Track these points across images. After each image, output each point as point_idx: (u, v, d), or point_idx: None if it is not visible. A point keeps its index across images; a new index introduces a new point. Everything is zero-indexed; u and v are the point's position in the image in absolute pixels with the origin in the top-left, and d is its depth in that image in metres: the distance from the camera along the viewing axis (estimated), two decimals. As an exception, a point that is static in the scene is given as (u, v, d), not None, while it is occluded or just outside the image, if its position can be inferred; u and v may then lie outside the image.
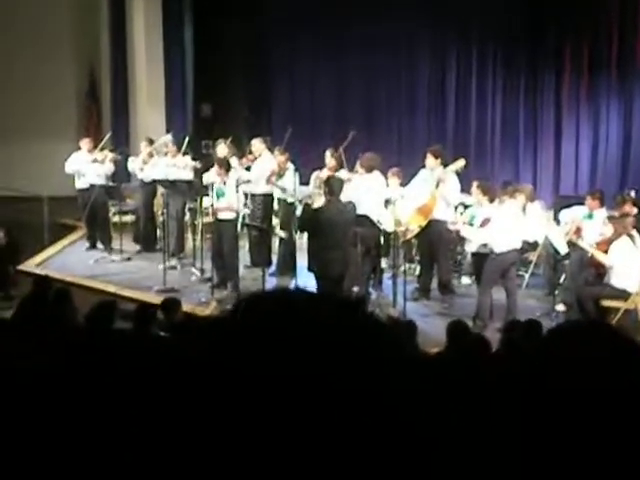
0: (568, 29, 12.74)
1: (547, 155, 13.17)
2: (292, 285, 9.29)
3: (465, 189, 9.15)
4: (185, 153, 11.30)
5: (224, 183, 9.52)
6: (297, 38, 14.15)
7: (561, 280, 9.06)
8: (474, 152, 13.21)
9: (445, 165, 9.05)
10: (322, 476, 0.83)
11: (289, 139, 10.63)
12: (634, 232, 8.23)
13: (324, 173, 9.70)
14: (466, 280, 9.69)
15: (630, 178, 12.23)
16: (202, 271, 10.03)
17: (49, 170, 12.81)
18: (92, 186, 11.19)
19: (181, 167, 11.04)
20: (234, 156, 10.59)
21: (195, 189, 10.52)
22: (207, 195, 9.96)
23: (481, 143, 13.60)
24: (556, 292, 8.78)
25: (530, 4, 12.87)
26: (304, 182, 10.35)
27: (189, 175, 10.99)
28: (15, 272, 9.99)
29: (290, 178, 10.15)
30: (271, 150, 10.65)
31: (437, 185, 8.87)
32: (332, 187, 8.09)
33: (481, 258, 8.39)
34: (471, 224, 8.47)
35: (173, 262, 10.49)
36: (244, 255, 10.19)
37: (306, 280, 8.46)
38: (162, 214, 10.65)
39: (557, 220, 9.33)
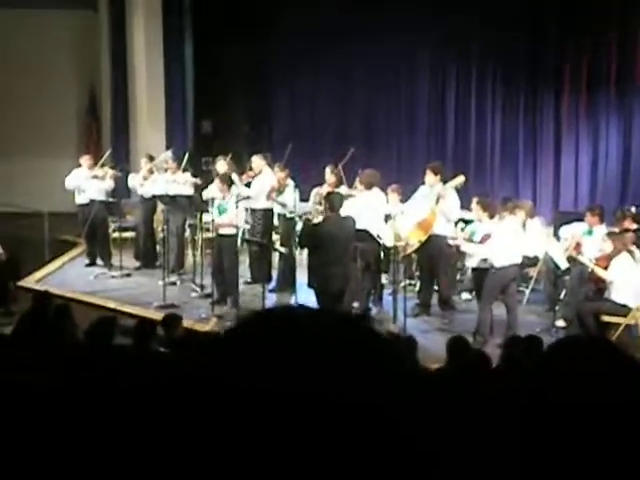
0: (567, 46, 12.83)
1: (547, 171, 13.20)
2: (292, 301, 9.31)
3: (465, 205, 9.16)
4: (185, 170, 11.32)
5: (223, 198, 9.55)
6: (298, 55, 14.17)
7: (561, 296, 9.07)
8: (474, 169, 13.24)
9: (444, 181, 9.06)
10: None
11: (289, 156, 10.66)
12: (634, 248, 8.23)
13: (324, 189, 9.72)
14: (466, 296, 9.69)
15: (630, 194, 12.25)
16: (202, 287, 10.02)
17: (50, 187, 12.83)
18: (92, 201, 11.20)
19: (181, 183, 11.06)
20: (234, 173, 10.60)
21: (195, 204, 10.54)
22: (207, 211, 9.97)
23: (481, 160, 13.64)
24: (556, 308, 8.78)
25: (529, 22, 12.94)
26: (304, 198, 10.38)
27: (189, 191, 11.01)
28: (15, 288, 9.97)
29: (290, 194, 10.17)
30: (271, 167, 10.66)
31: (437, 201, 8.88)
32: (332, 203, 8.10)
33: (481, 273, 8.40)
34: (471, 240, 8.48)
35: (173, 278, 10.49)
36: (244, 271, 10.19)
37: (306, 296, 8.46)
38: (162, 230, 10.66)
39: (557, 236, 9.33)
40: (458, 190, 9.07)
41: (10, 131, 14.74)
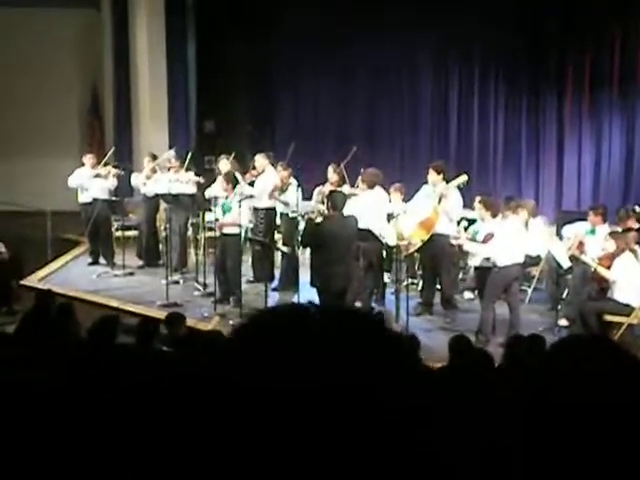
0: (569, 46, 12.78)
1: (549, 171, 13.16)
2: (294, 300, 9.30)
3: (468, 205, 9.15)
4: (188, 169, 11.32)
5: (226, 197, 9.55)
6: (301, 54, 14.14)
7: (564, 295, 9.05)
8: (477, 168, 13.21)
9: (447, 181, 9.04)
10: None
11: (292, 155, 10.66)
12: (637, 247, 8.21)
13: (326, 188, 9.71)
14: (468, 295, 9.68)
15: (633, 193, 12.21)
16: (205, 286, 10.02)
17: (52, 185, 12.82)
18: (95, 200, 11.21)
19: (184, 182, 11.06)
20: (237, 172, 10.59)
21: (198, 203, 10.54)
22: (210, 210, 9.97)
23: (484, 159, 13.60)
24: (559, 307, 8.76)
25: (531, 22, 12.90)
26: (306, 197, 10.36)
27: (192, 190, 11.00)
28: (18, 287, 9.95)
29: (293, 193, 10.16)
30: (274, 166, 10.65)
31: (439, 200, 8.87)
32: (335, 202, 8.08)
33: (484, 272, 8.38)
34: (474, 239, 8.48)
35: (176, 277, 10.48)
36: (246, 270, 10.19)
37: (308, 295, 8.41)
38: (165, 229, 10.67)
39: (560, 235, 9.30)
40: (461, 189, 9.03)
41: (12, 130, 14.73)
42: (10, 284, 9.79)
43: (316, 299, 7.96)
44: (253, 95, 14.89)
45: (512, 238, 8.20)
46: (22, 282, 10.24)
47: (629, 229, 8.67)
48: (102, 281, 10.76)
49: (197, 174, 11.44)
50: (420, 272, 9.82)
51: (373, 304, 9.19)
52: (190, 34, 14.63)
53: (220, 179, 10.13)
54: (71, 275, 11.08)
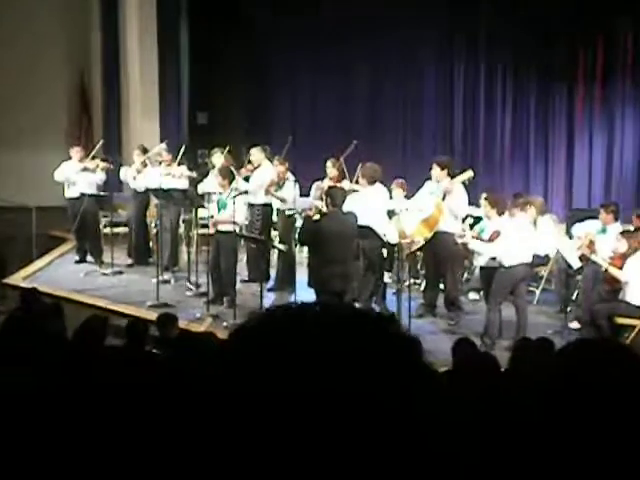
0: (580, 36, 12.72)
1: (559, 166, 13.14)
2: (291, 300, 9.10)
3: (473, 202, 9.07)
4: (180, 162, 11.24)
5: (221, 193, 9.42)
6: (297, 45, 14.12)
7: (574, 296, 9.02)
8: (483, 164, 13.21)
9: (452, 176, 8.89)
10: None
11: (289, 149, 10.50)
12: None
13: (325, 183, 9.66)
14: (474, 296, 9.60)
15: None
16: (197, 285, 9.92)
17: (37, 180, 12.69)
18: (82, 195, 11.14)
19: (176, 176, 10.98)
20: (231, 166, 10.45)
21: (190, 199, 10.46)
22: (202, 206, 9.96)
23: (490, 154, 13.61)
24: (568, 309, 8.71)
25: (539, 12, 12.83)
26: (304, 194, 10.29)
27: (184, 184, 10.93)
28: (2, 286, 9.89)
29: (290, 189, 10.09)
30: (271, 160, 10.57)
31: (444, 197, 8.74)
32: (334, 198, 7.97)
33: (490, 272, 8.28)
34: (480, 238, 8.36)
35: (166, 276, 10.38)
36: (241, 269, 10.11)
37: (306, 295, 8.30)
38: (155, 226, 10.70)
39: (569, 234, 9.30)
40: (466, 185, 8.91)
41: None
42: (-7, 283, 9.82)
43: (313, 299, 7.78)
44: (248, 85, 14.89)
45: (520, 237, 8.10)
46: (6, 281, 10.16)
47: (642, 228, 8.69)
48: (90, 280, 10.67)
49: (190, 168, 11.36)
50: (423, 272, 9.75)
51: (373, 305, 9.03)
52: (182, 22, 14.56)
53: (214, 173, 10.09)
54: (57, 274, 11.02)
